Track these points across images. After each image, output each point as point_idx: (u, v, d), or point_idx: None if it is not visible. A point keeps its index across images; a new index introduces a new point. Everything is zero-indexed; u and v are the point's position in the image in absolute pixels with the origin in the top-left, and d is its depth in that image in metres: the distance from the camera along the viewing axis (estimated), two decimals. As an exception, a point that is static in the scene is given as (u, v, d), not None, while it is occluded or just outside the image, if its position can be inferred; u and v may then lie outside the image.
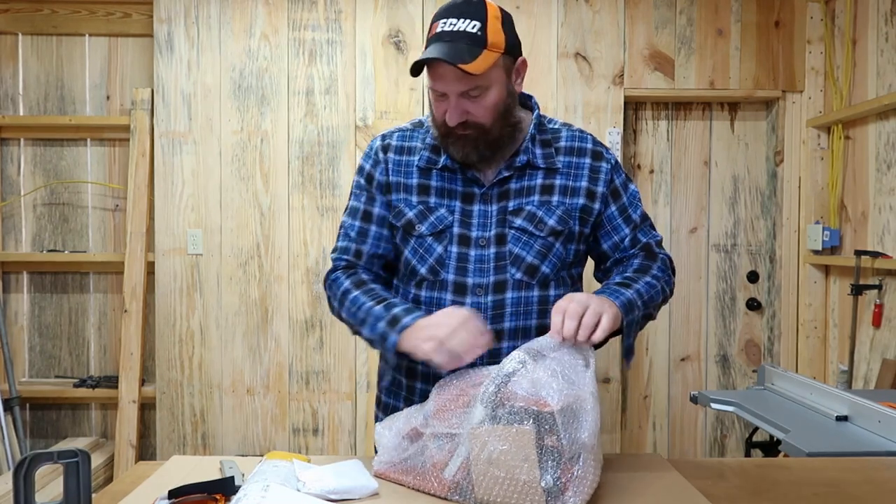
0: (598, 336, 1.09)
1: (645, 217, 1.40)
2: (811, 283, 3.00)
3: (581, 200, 1.34)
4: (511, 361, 1.02)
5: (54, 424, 3.11)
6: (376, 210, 1.39)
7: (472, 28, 1.20)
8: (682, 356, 3.16)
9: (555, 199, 1.33)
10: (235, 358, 2.96)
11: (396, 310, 1.24)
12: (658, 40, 2.98)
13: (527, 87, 2.87)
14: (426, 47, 1.23)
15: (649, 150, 3.14)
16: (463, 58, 1.17)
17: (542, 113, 1.41)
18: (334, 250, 1.42)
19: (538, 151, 1.34)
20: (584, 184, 1.35)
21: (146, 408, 3.03)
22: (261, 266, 2.95)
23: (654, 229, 1.42)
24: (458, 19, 1.20)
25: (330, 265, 1.42)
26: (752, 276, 3.15)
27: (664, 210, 3.15)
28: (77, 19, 3.04)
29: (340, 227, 1.43)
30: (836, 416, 1.84)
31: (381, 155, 1.39)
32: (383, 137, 1.42)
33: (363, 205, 1.40)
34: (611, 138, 2.95)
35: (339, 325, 1.54)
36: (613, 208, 1.37)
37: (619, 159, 2.96)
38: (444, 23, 1.21)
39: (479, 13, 1.21)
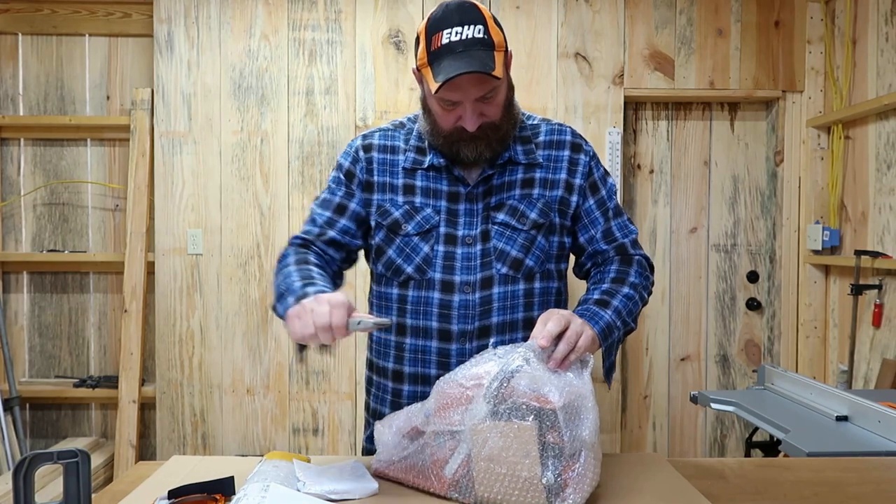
0: (573, 359, 1.07)
1: (619, 211, 1.40)
2: (811, 283, 3.00)
3: (559, 192, 1.35)
4: (514, 358, 1.02)
5: (54, 424, 3.11)
6: (352, 206, 1.38)
7: (479, 33, 1.19)
8: (682, 356, 3.16)
9: (535, 192, 1.34)
10: (235, 358, 2.96)
11: (310, 288, 1.16)
12: (658, 40, 2.98)
13: (527, 86, 2.91)
14: (432, 60, 1.21)
15: (649, 150, 3.14)
16: (489, 65, 1.18)
17: (523, 110, 1.41)
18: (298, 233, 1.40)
19: (519, 148, 1.36)
20: (562, 176, 1.36)
21: (146, 408, 3.03)
22: (261, 266, 2.95)
23: (632, 223, 1.41)
24: (462, 27, 1.19)
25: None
26: (752, 276, 3.15)
27: (664, 210, 3.15)
28: (77, 19, 3.04)
29: (309, 214, 1.41)
30: (836, 416, 1.84)
31: (361, 154, 1.39)
32: (364, 137, 1.42)
33: (339, 199, 1.39)
34: (611, 138, 2.95)
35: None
36: (591, 202, 1.38)
37: (619, 159, 2.96)
38: (449, 32, 1.19)
39: (478, 16, 1.21)
